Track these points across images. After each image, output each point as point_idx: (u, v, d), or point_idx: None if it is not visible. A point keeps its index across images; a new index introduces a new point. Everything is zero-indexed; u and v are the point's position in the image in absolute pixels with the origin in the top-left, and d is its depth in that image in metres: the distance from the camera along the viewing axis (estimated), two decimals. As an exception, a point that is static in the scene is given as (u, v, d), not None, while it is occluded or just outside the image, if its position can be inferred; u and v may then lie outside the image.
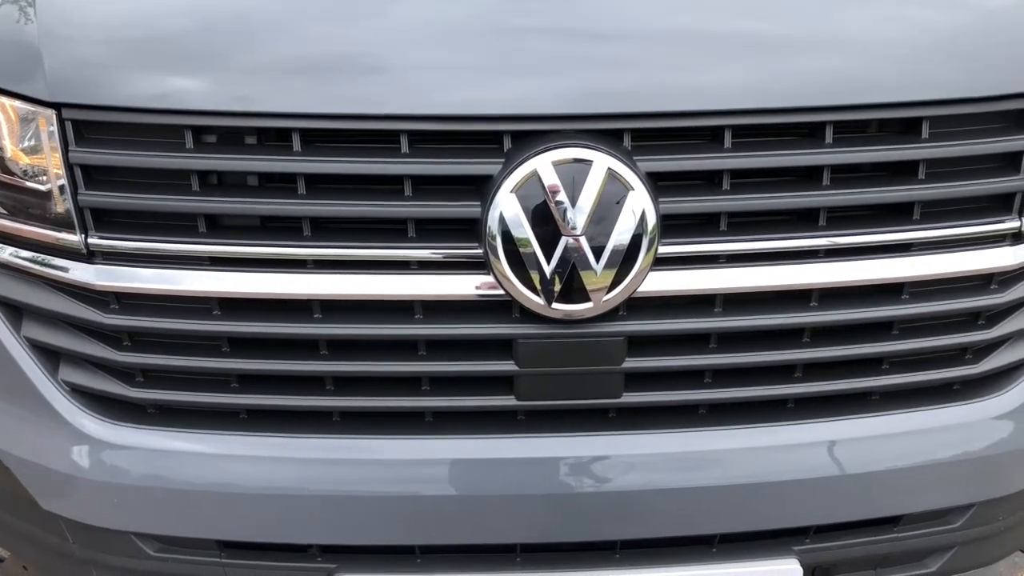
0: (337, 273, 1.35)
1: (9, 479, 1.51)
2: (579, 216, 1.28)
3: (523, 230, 1.29)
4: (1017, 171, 1.42)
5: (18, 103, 1.39)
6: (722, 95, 1.33)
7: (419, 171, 1.32)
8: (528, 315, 1.34)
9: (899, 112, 1.38)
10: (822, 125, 1.36)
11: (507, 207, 1.29)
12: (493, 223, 1.29)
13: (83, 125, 1.36)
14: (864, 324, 1.43)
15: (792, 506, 1.46)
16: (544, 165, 1.28)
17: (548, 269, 1.30)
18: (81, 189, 1.36)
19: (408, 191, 1.33)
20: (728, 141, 1.34)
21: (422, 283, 1.35)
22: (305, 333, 1.37)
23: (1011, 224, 1.43)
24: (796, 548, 1.48)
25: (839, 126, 1.37)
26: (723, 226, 1.36)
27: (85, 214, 1.37)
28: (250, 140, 1.36)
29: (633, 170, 1.30)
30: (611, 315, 1.36)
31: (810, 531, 1.49)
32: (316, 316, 1.37)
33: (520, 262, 1.30)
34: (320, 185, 1.35)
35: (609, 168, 1.28)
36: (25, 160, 1.42)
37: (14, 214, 1.43)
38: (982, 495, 1.54)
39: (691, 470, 1.43)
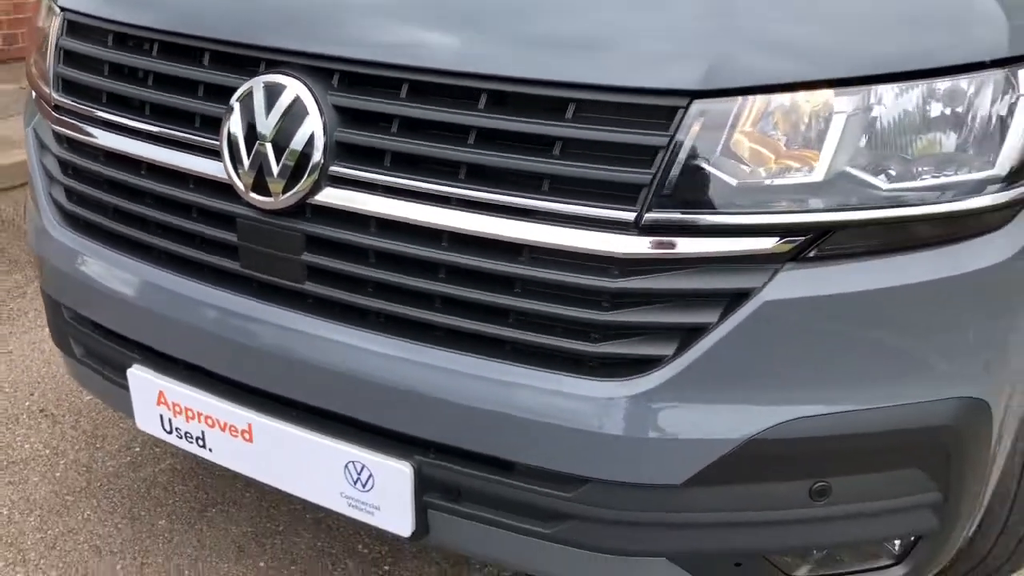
0: (156, 145, 1.89)
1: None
2: (266, 128, 1.67)
3: (236, 131, 1.71)
4: (648, 167, 1.47)
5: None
6: (405, 52, 1.60)
7: (206, 79, 1.80)
8: (246, 200, 1.75)
9: (545, 90, 1.52)
10: (477, 91, 1.56)
11: (231, 112, 1.72)
12: (224, 122, 1.73)
13: (72, 24, 2.06)
14: (490, 275, 1.59)
15: (411, 415, 1.68)
16: (257, 84, 1.69)
17: (246, 163, 1.70)
18: (59, 64, 2.07)
19: (201, 93, 1.81)
20: (404, 92, 1.61)
21: (193, 162, 1.83)
22: (138, 185, 1.93)
23: (624, 215, 1.48)
24: (418, 457, 1.70)
25: (495, 94, 1.55)
26: (387, 162, 1.63)
27: (58, 80, 2.08)
28: (147, 47, 1.94)
29: (317, 101, 1.64)
30: (298, 213, 1.71)
31: (430, 445, 1.69)
32: (142, 173, 1.92)
33: (234, 155, 1.72)
34: (164, 82, 1.89)
35: (297, 95, 1.65)
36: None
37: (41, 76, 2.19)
38: (595, 472, 1.59)
39: (341, 357, 1.72)
